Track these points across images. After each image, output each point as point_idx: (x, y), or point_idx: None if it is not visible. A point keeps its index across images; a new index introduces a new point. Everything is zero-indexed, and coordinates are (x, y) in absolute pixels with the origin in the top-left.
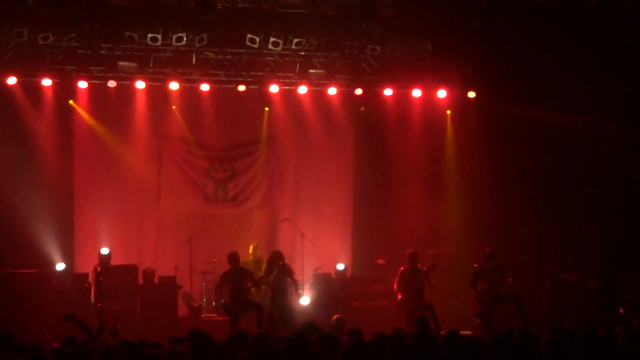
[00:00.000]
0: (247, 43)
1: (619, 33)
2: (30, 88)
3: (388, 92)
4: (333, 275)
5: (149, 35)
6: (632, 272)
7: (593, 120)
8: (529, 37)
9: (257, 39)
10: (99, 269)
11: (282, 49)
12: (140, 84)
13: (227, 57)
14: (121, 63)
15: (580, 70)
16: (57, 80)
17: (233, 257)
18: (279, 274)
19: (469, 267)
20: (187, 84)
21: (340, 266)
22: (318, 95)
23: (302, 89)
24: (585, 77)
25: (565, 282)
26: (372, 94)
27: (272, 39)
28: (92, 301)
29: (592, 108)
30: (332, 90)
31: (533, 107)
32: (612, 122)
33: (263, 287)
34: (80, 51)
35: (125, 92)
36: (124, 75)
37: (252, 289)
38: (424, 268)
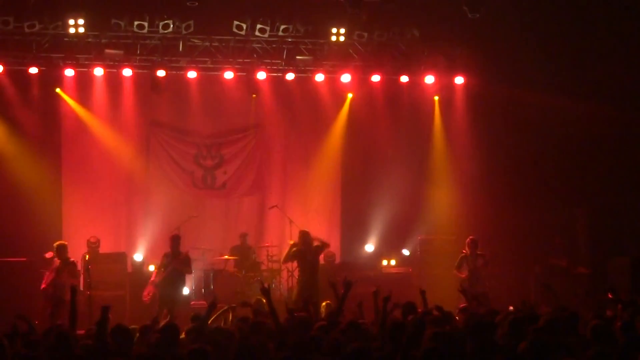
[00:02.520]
0: (234, 30)
1: (607, 16)
2: (17, 76)
3: (375, 78)
4: (322, 262)
5: (136, 23)
6: (619, 257)
7: (581, 105)
8: (516, 21)
9: (244, 26)
10: (87, 256)
11: (269, 36)
12: (127, 72)
13: (214, 44)
14: (108, 51)
15: (568, 54)
16: (44, 69)
17: (174, 239)
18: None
19: (457, 253)
20: (174, 72)
21: (329, 252)
22: (305, 82)
23: (290, 76)
24: (572, 60)
25: (555, 267)
26: (360, 80)
27: (259, 26)
28: (81, 289)
29: (580, 92)
30: (319, 77)
31: (521, 92)
32: (600, 106)
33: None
34: (66, 39)
35: (112, 80)
36: (111, 62)
37: None
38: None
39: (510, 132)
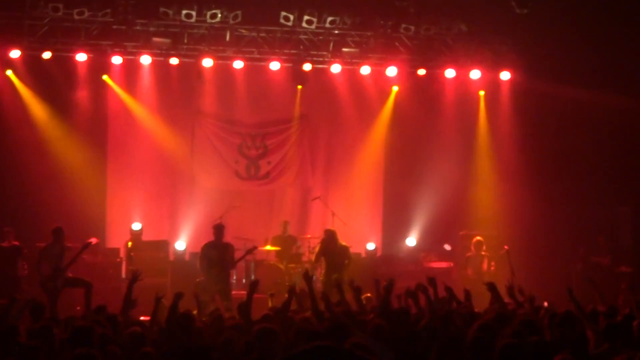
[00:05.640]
0: (281, 21)
1: None
2: (65, 63)
3: (421, 72)
4: (363, 255)
5: (184, 12)
6: None
7: (628, 101)
8: (564, 15)
9: (291, 17)
10: (130, 244)
11: (316, 27)
12: (174, 60)
13: (261, 34)
14: (155, 39)
15: (614, 50)
16: (92, 56)
17: (218, 228)
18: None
19: (500, 248)
20: (221, 61)
21: (371, 246)
22: (351, 74)
23: (335, 68)
24: (619, 56)
25: (597, 265)
26: (406, 74)
27: (306, 17)
28: (123, 276)
29: (628, 88)
30: (365, 70)
31: (567, 87)
32: None
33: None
34: (115, 27)
35: (159, 68)
36: (158, 51)
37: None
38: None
39: (555, 129)
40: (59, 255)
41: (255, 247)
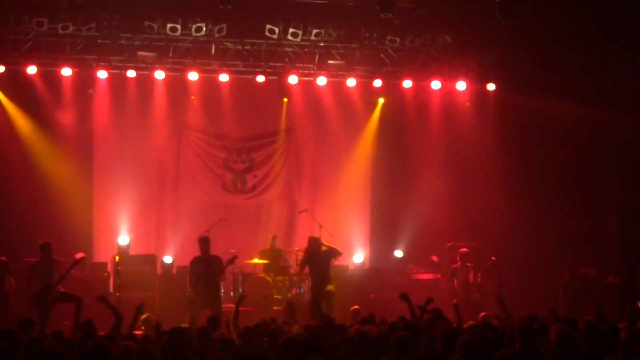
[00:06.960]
0: (267, 33)
1: None
2: (50, 77)
3: (407, 83)
4: (351, 267)
5: (169, 25)
6: None
7: (613, 113)
8: (549, 28)
9: (277, 30)
10: (117, 258)
11: (302, 40)
12: (159, 74)
13: (246, 47)
14: (140, 53)
15: (602, 62)
16: (77, 70)
17: (203, 241)
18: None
19: (487, 260)
20: (206, 74)
21: (358, 258)
22: (337, 87)
23: (321, 80)
24: (607, 68)
25: (583, 276)
26: (391, 86)
27: (291, 30)
28: (111, 290)
29: (613, 100)
30: (351, 82)
31: (553, 99)
32: (632, 115)
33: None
34: (99, 41)
35: (145, 82)
36: (144, 65)
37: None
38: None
39: (541, 140)
40: (49, 270)
41: (235, 257)
